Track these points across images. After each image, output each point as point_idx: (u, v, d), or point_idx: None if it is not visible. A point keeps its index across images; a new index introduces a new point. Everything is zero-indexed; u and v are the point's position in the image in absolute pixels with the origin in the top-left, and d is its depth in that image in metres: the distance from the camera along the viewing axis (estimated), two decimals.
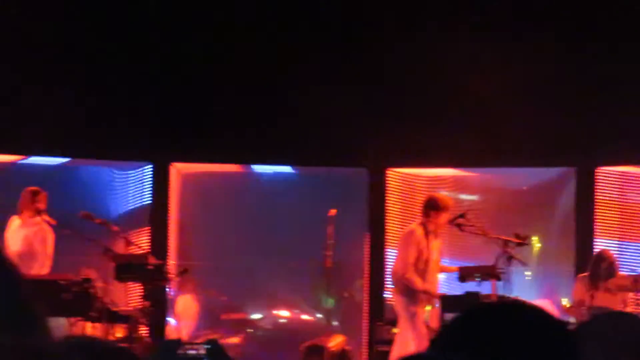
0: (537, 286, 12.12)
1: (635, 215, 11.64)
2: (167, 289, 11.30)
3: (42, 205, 10.19)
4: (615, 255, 10.58)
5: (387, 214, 12.02)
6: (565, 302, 11.08)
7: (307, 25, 11.91)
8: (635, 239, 11.62)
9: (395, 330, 10.18)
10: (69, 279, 9.70)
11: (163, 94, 11.91)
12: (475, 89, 11.22)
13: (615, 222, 11.92)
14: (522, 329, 1.86)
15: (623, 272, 10.53)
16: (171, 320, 11.93)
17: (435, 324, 9.93)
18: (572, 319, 10.01)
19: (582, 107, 11.46)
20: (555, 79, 11.61)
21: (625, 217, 11.86)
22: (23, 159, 12.04)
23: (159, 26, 11.83)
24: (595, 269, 10.14)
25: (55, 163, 12.29)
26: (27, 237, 10.23)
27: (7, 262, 1.64)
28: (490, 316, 1.91)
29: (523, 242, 9.94)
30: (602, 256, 10.28)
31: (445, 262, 10.48)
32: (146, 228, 11.97)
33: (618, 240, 11.59)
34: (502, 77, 11.35)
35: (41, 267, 10.16)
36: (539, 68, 11.49)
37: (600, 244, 11.43)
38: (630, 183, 11.94)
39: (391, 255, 11.30)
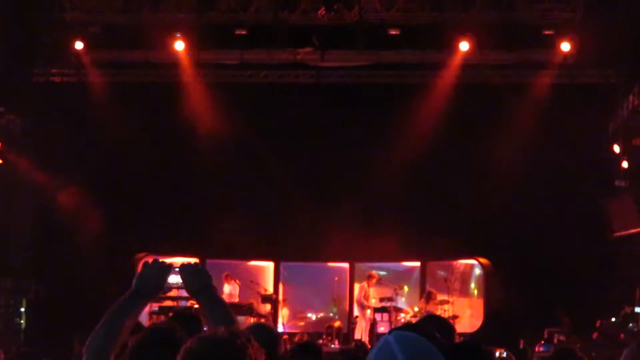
0: (407, 303, 18.10)
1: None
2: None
3: (231, 278, 17.31)
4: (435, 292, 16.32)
5: (354, 282, 18.63)
6: (416, 309, 16.63)
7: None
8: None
9: (358, 320, 17.03)
10: (243, 303, 16.45)
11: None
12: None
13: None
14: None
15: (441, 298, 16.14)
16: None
17: (372, 317, 16.28)
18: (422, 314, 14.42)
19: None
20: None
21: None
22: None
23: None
24: (428, 296, 16.20)
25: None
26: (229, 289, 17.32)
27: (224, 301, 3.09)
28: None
29: (401, 289, 17.40)
30: (430, 292, 16.39)
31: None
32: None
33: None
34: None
35: (232, 299, 16.75)
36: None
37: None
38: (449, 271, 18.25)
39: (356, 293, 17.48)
